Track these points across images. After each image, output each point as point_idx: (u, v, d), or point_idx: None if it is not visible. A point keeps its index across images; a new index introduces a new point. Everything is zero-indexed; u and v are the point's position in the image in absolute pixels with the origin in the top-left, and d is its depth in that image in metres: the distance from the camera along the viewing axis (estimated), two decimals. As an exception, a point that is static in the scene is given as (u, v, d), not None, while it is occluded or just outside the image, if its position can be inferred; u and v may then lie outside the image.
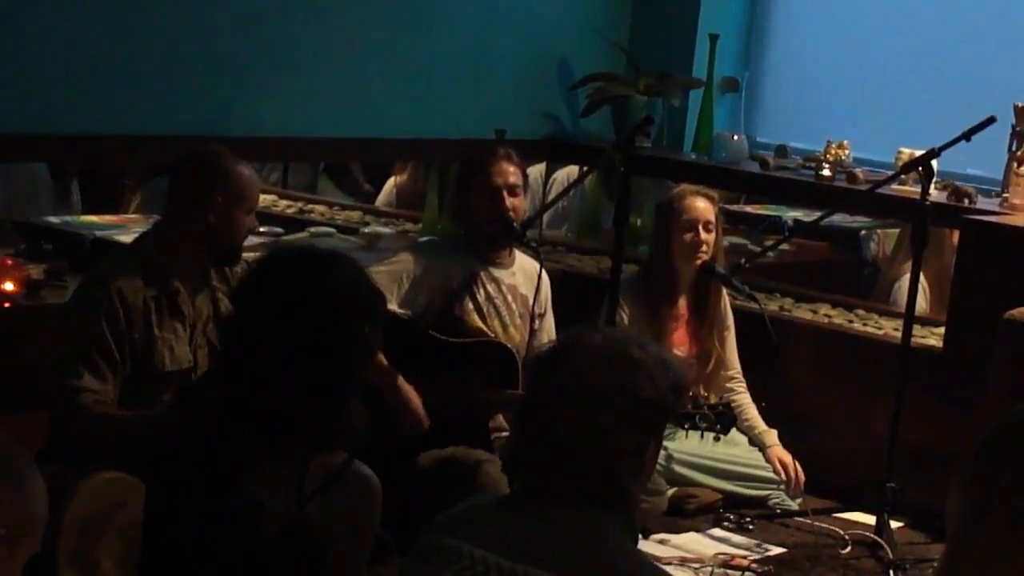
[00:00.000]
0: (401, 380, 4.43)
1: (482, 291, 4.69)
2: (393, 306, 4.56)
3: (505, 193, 4.64)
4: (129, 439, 3.55)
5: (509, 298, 4.74)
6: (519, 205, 4.69)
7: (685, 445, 4.91)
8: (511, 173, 4.67)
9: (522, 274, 4.79)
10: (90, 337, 3.68)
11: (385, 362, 4.42)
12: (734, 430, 4.80)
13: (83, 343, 3.68)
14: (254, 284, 2.83)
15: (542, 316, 4.83)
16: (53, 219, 5.30)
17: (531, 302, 4.73)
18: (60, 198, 6.07)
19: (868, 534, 4.70)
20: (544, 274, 4.80)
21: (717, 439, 4.68)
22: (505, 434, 4.44)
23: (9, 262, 4.51)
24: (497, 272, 4.74)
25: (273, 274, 2.79)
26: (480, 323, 4.66)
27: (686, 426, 4.62)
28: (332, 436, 2.65)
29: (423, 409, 4.43)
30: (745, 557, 4.50)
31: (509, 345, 4.65)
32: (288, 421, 2.63)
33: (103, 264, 3.92)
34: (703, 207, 5.03)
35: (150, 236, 3.94)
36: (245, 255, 4.04)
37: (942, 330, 5.13)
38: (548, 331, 4.85)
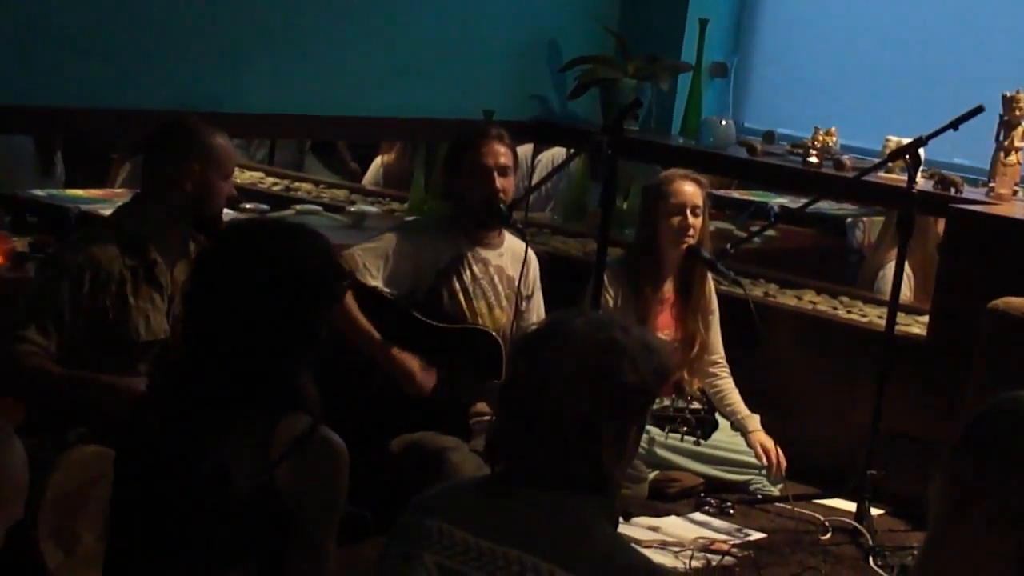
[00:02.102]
0: (396, 350, 4.45)
1: (468, 272, 4.68)
2: (378, 284, 4.55)
3: (495, 174, 4.63)
4: (59, 398, 3.64)
5: (496, 279, 4.73)
6: (508, 186, 4.68)
7: (667, 430, 4.91)
8: (502, 154, 4.66)
9: (510, 255, 4.77)
10: (45, 295, 3.73)
11: (378, 336, 4.43)
12: (716, 414, 4.79)
13: (36, 299, 3.75)
14: (215, 252, 2.88)
15: (529, 298, 4.81)
16: (39, 192, 5.29)
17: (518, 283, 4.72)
18: (43, 171, 6.04)
19: (848, 521, 4.70)
20: (532, 255, 4.78)
21: (697, 443, 4.65)
22: (487, 418, 4.43)
23: (-7, 234, 4.51)
24: (485, 252, 4.73)
25: (233, 243, 2.84)
26: (465, 304, 4.64)
27: (666, 428, 4.59)
28: (288, 400, 2.67)
29: (424, 372, 4.45)
30: (725, 541, 4.50)
31: (495, 327, 4.64)
32: (248, 387, 2.66)
33: (81, 231, 3.97)
34: (691, 191, 5.02)
35: (129, 207, 3.98)
36: (226, 226, 4.06)
37: (926, 318, 5.14)
38: (538, 312, 4.83)
